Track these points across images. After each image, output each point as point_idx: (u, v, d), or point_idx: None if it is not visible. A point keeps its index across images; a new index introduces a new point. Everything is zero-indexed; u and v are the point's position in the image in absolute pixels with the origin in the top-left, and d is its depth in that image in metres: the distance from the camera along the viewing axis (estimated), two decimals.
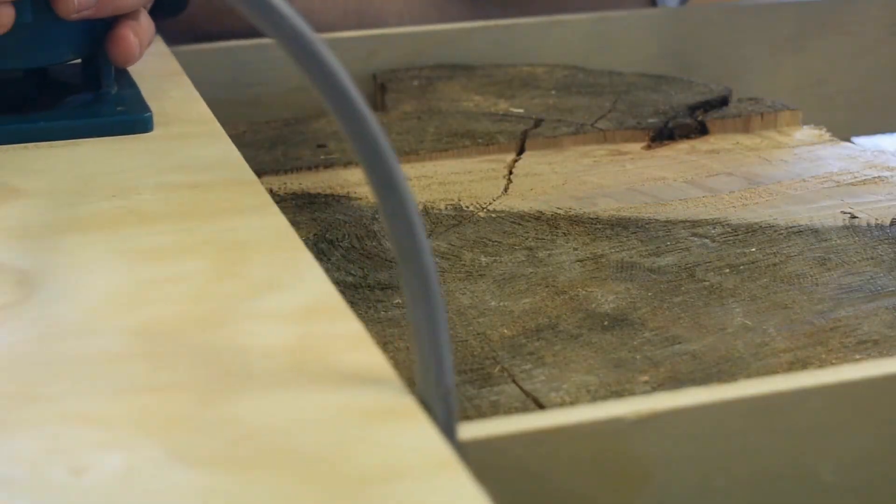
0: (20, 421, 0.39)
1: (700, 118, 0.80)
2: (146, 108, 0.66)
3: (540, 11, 0.94)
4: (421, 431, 0.38)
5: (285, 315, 0.45)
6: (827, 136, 0.78)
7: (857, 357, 0.53)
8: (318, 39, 0.38)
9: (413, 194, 0.38)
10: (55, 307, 0.46)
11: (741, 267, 0.60)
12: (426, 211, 0.65)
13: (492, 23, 0.93)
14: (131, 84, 0.69)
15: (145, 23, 0.66)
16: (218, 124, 0.66)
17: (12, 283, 0.48)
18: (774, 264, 0.60)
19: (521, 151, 0.73)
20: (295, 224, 0.64)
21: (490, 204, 0.67)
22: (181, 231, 0.53)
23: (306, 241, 0.62)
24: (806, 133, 0.79)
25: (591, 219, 0.65)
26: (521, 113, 0.78)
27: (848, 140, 0.79)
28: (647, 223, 0.65)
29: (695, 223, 0.63)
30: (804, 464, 0.45)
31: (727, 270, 0.60)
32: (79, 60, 0.67)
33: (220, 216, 0.54)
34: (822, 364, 0.53)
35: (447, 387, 0.40)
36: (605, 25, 0.95)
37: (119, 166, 0.60)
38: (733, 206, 0.67)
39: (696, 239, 0.63)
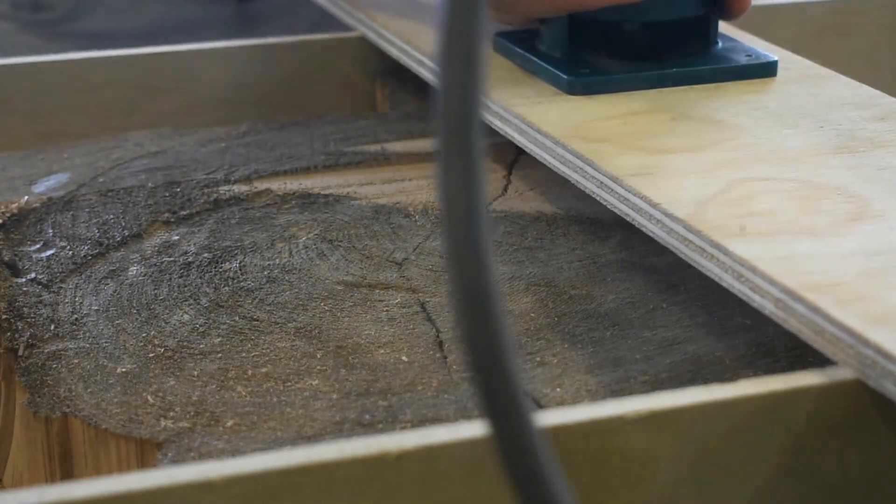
0: None
1: None
2: (768, 55, 0.70)
3: None
4: None
5: None
6: None
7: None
8: None
9: None
10: None
11: None
12: (426, 211, 0.65)
13: None
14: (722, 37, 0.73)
15: None
16: (820, 67, 0.72)
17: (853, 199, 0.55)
18: None
19: (520, 152, 0.73)
20: (295, 224, 0.64)
21: (489, 204, 0.67)
22: None
23: (306, 241, 0.62)
24: None
25: (591, 219, 0.65)
26: None
27: None
28: None
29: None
30: (804, 463, 0.45)
31: None
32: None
33: None
34: (822, 364, 0.53)
35: None
36: None
37: (786, 102, 0.66)
38: None
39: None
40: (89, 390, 0.52)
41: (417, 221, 0.65)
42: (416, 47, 0.75)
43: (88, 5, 0.99)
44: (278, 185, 0.68)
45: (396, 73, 0.85)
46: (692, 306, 0.57)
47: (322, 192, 0.68)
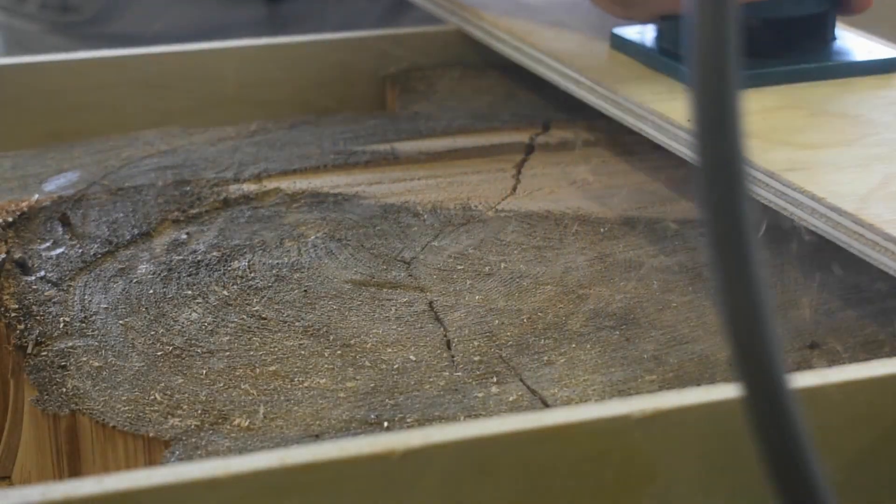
0: None
1: None
2: (890, 50, 0.71)
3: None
4: None
5: None
6: None
7: (862, 357, 0.53)
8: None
9: None
10: None
11: None
12: (435, 210, 0.66)
13: None
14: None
15: None
16: None
17: None
18: (782, 264, 0.60)
19: (529, 152, 0.73)
20: (304, 223, 0.65)
21: (498, 203, 0.67)
22: None
23: (315, 240, 0.63)
24: None
25: (600, 218, 0.65)
26: (530, 114, 0.78)
27: None
28: (655, 223, 0.65)
29: (703, 223, 0.63)
30: None
31: None
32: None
33: None
34: (827, 364, 0.53)
35: None
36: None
37: None
38: None
39: (704, 239, 0.63)
40: (97, 388, 0.52)
41: (426, 221, 0.65)
42: (532, 45, 0.75)
43: (116, 7, 1.00)
44: (287, 184, 0.68)
45: (406, 73, 0.85)
46: (700, 306, 0.57)
47: (331, 192, 0.68)
